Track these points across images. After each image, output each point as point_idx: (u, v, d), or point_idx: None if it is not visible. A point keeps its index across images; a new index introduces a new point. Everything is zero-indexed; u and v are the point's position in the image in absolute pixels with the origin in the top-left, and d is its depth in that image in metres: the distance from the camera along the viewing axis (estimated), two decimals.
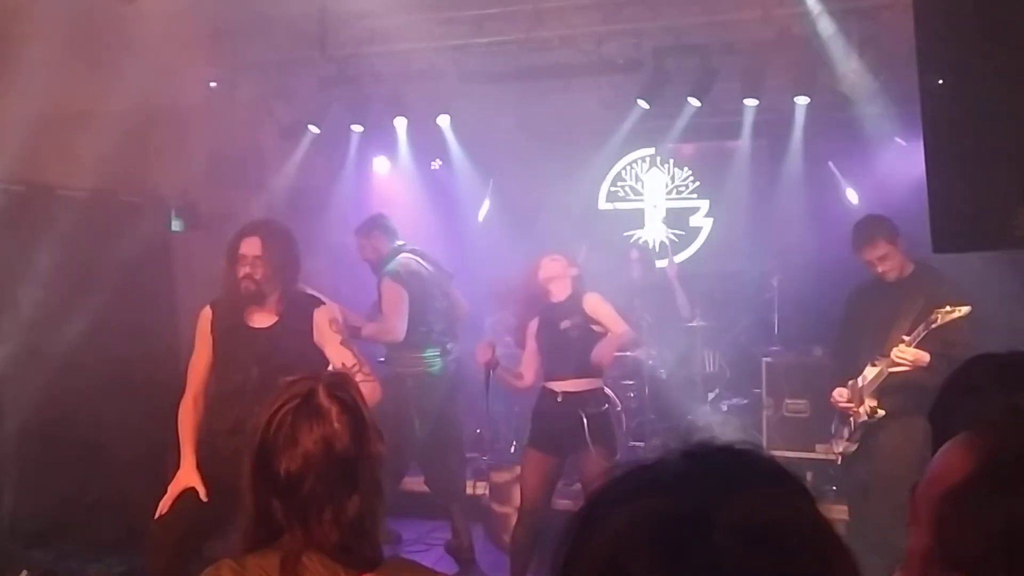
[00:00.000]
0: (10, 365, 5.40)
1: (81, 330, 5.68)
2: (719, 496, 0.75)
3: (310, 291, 4.26)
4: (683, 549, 0.73)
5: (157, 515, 3.92)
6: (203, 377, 4.19)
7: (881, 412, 4.56)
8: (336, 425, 1.96)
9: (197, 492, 3.90)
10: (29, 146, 5.60)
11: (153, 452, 6.12)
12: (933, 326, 4.25)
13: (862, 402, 4.64)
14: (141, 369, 6.14)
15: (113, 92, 6.30)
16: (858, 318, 4.88)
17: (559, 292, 5.04)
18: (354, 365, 4.03)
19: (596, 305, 4.97)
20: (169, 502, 3.93)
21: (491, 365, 4.92)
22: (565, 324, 4.93)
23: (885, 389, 4.57)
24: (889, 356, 4.48)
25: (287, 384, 2.05)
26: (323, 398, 1.99)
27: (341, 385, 2.05)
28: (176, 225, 6.72)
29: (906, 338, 4.46)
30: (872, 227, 4.79)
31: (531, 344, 5.13)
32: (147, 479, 6.07)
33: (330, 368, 4.00)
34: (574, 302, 5.00)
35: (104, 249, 5.95)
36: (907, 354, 4.40)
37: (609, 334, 4.93)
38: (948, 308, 4.20)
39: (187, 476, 3.98)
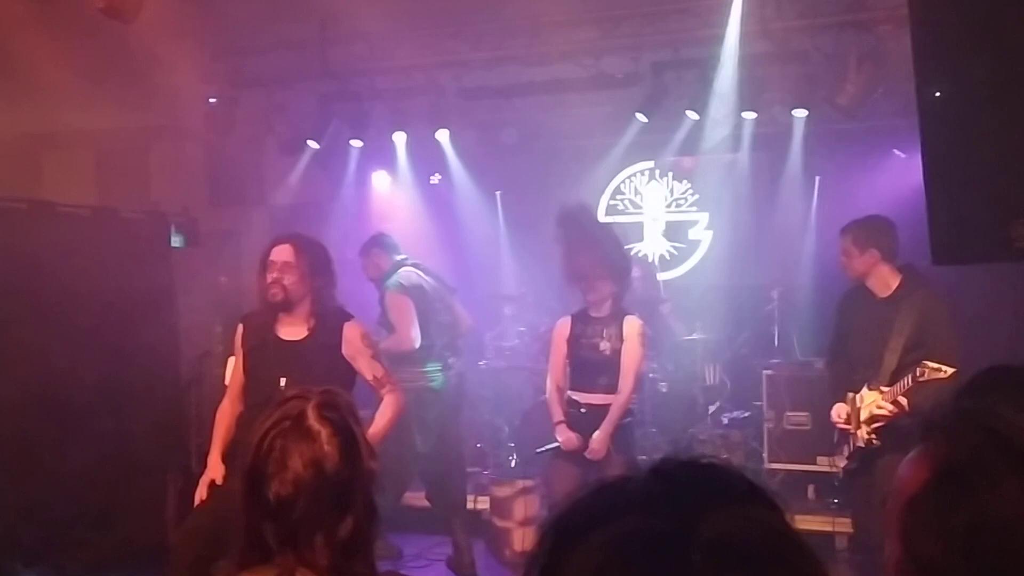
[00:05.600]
0: (10, 380, 5.40)
1: (82, 346, 5.67)
2: (693, 514, 0.75)
3: (340, 305, 4.34)
4: (662, 570, 0.73)
5: (196, 504, 4.08)
6: (240, 385, 4.29)
7: (877, 443, 4.51)
8: (327, 447, 1.94)
9: (216, 509, 3.92)
10: (30, 164, 5.62)
11: (153, 468, 6.13)
12: (920, 379, 4.20)
13: (859, 426, 4.60)
14: (141, 385, 6.14)
15: (114, 109, 6.34)
16: (849, 330, 4.82)
17: (597, 311, 5.00)
18: (384, 376, 4.22)
19: (631, 336, 4.92)
20: (202, 493, 4.09)
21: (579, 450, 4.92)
22: (604, 346, 4.91)
23: (880, 419, 4.52)
24: (884, 380, 4.47)
25: (276, 404, 2.04)
26: (313, 420, 1.97)
27: (332, 405, 2.03)
28: (176, 241, 6.72)
29: (885, 390, 4.43)
30: (853, 224, 4.76)
31: (560, 350, 5.07)
32: (147, 495, 6.09)
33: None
34: (613, 321, 4.95)
35: (105, 265, 5.96)
36: (886, 408, 4.40)
37: (615, 401, 4.87)
38: (935, 365, 4.14)
39: (212, 469, 4.11)
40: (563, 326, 5.09)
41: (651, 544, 0.74)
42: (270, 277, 4.09)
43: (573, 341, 5.01)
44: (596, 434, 4.85)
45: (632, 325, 4.95)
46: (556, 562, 0.79)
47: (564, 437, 4.97)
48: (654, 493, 0.79)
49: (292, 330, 4.17)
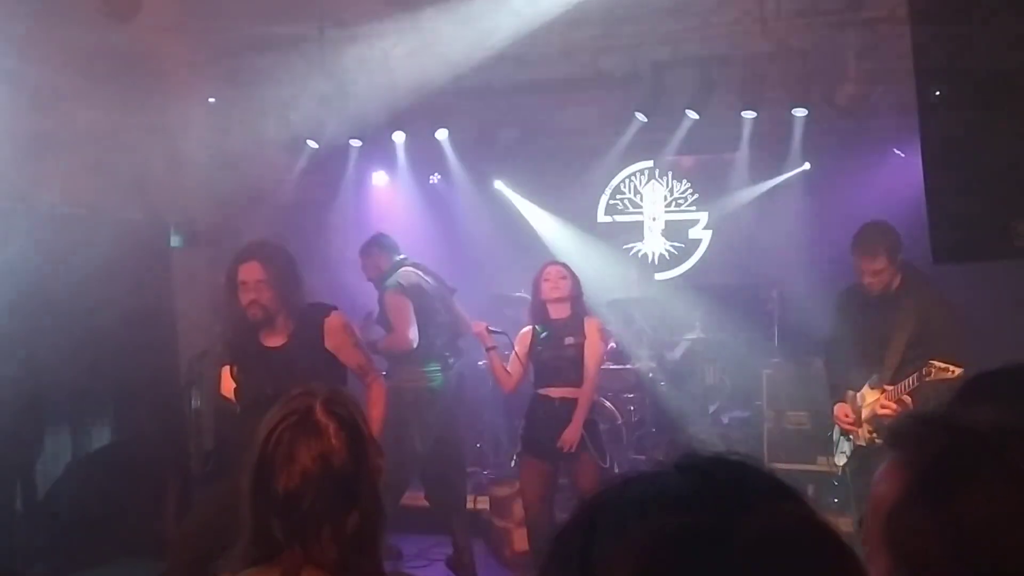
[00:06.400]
0: (8, 381, 5.40)
1: (80, 346, 5.67)
2: (733, 512, 0.76)
3: (317, 301, 4.32)
4: (707, 567, 0.74)
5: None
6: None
7: (879, 441, 4.50)
8: (334, 441, 1.96)
9: (215, 508, 3.92)
10: (28, 164, 5.61)
11: (152, 468, 6.13)
12: (927, 379, 4.16)
13: (860, 425, 4.59)
14: (140, 385, 6.13)
15: (111, 109, 6.31)
16: (848, 328, 4.78)
17: (559, 312, 5.15)
18: (367, 364, 4.29)
19: (592, 337, 5.10)
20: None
21: (484, 338, 5.15)
22: (569, 341, 5.08)
23: (882, 418, 4.51)
24: (887, 378, 4.47)
25: (284, 400, 2.04)
26: (320, 415, 1.99)
27: (339, 401, 2.05)
28: (175, 241, 6.73)
29: (887, 389, 4.42)
30: (877, 238, 4.54)
31: (520, 350, 5.21)
32: (146, 495, 6.09)
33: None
34: (575, 321, 5.12)
35: (104, 266, 5.95)
36: (889, 407, 4.38)
37: (581, 394, 5.02)
38: (942, 365, 4.10)
39: None
40: (524, 334, 5.24)
41: (693, 542, 0.75)
42: (246, 299, 4.09)
43: (537, 343, 5.16)
44: (568, 428, 4.97)
45: (592, 324, 5.15)
46: (585, 556, 0.78)
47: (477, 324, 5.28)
48: (688, 490, 0.80)
49: (274, 338, 4.19)
